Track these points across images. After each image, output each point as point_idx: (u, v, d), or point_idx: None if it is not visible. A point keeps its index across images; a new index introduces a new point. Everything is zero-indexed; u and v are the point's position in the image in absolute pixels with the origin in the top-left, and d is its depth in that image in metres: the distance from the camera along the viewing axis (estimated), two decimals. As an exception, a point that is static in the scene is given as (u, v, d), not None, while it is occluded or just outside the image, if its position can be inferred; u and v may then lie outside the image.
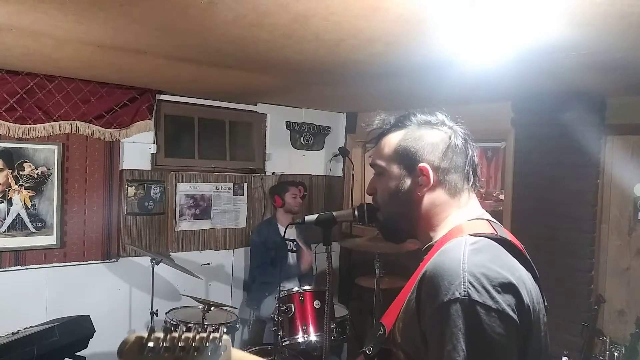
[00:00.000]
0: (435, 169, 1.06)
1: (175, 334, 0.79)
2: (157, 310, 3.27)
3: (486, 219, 1.06)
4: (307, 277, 3.93)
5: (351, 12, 1.60)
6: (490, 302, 0.85)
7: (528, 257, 1.02)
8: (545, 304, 1.02)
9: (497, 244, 0.97)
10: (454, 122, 1.13)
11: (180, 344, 0.78)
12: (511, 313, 0.86)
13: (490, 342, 0.84)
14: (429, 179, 1.05)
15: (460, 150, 1.08)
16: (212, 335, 0.82)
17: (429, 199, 1.07)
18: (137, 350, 0.76)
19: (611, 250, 2.98)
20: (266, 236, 3.83)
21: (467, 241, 0.95)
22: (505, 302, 0.86)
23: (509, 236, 1.03)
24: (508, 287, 0.88)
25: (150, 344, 0.76)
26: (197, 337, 0.81)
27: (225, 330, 0.87)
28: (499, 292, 0.86)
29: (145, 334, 0.77)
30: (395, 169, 1.09)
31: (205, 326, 0.84)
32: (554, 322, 2.95)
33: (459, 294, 0.86)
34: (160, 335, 0.77)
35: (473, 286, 0.86)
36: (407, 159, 1.08)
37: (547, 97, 3.03)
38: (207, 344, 0.81)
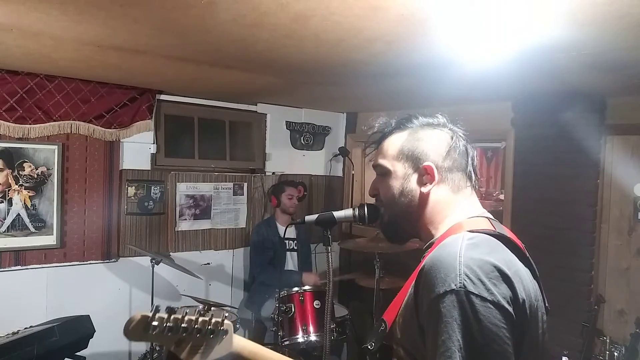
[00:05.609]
0: (438, 167, 1.08)
1: (179, 315, 0.80)
2: (157, 310, 3.27)
3: (486, 217, 1.08)
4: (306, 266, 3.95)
5: (351, 12, 1.60)
6: (485, 294, 0.86)
7: (527, 255, 1.03)
8: (547, 304, 1.03)
9: (495, 239, 0.99)
10: (453, 124, 1.16)
11: (183, 325, 0.79)
12: (506, 305, 0.87)
13: (485, 333, 0.85)
14: (433, 177, 1.08)
15: (462, 150, 1.11)
16: (214, 319, 0.84)
17: (432, 197, 1.09)
18: (142, 328, 0.77)
19: (611, 250, 2.98)
20: (264, 236, 3.83)
21: (465, 237, 0.97)
22: (500, 294, 0.87)
23: (508, 233, 1.05)
24: (503, 280, 0.89)
25: (155, 323, 0.77)
26: (200, 319, 0.82)
27: (226, 315, 0.88)
28: (494, 285, 0.88)
29: (150, 314, 0.78)
30: (399, 169, 1.12)
31: (208, 310, 0.85)
32: (554, 322, 2.96)
33: (455, 285, 0.87)
34: (164, 315, 0.79)
35: (469, 278, 0.87)
36: (411, 158, 1.10)
37: (547, 97, 3.03)
38: (208, 327, 0.82)
